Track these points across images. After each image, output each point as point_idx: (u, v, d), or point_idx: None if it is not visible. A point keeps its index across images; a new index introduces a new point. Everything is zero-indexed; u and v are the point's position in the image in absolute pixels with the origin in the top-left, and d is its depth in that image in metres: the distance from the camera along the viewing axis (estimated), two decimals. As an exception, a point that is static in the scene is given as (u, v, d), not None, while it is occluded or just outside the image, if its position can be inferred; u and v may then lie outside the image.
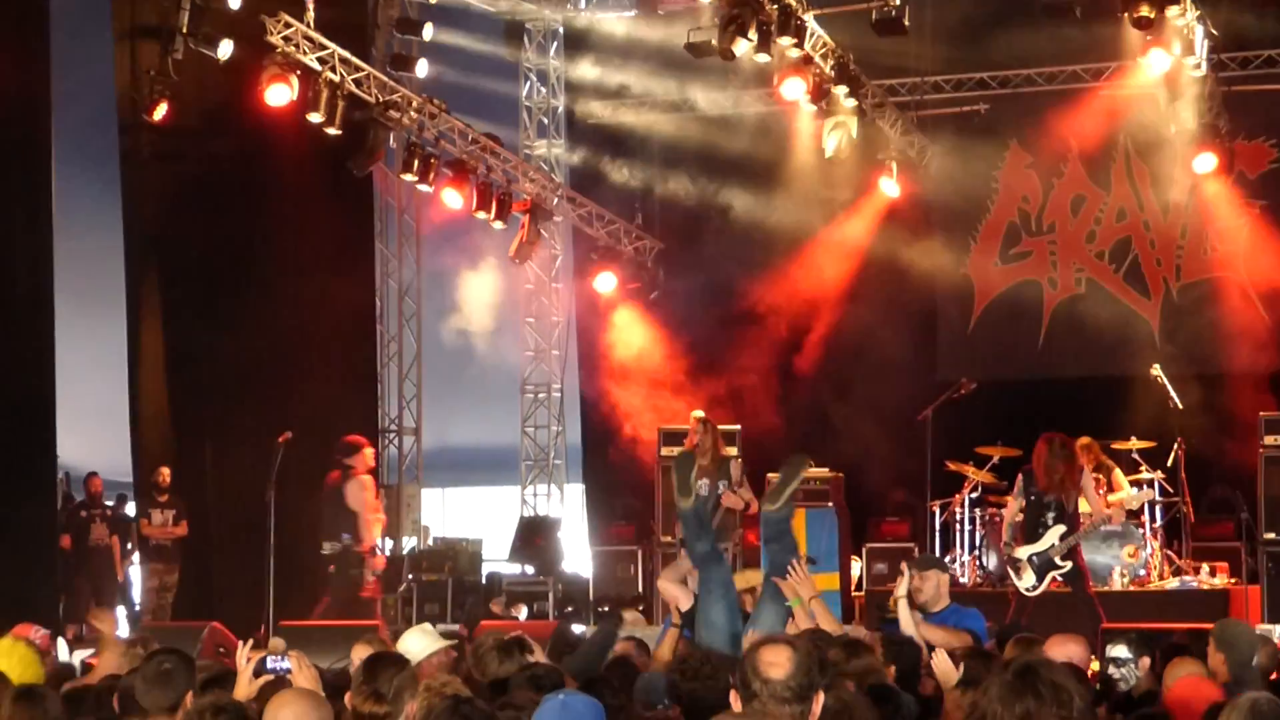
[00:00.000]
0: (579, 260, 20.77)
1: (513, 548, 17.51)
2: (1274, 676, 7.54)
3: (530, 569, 17.15)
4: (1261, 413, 15.59)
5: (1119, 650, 7.79)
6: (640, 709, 6.55)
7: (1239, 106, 17.29)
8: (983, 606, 12.45)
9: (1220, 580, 15.50)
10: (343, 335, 18.49)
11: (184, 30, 14.35)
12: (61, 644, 10.47)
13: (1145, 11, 14.39)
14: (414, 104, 16.83)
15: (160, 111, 15.22)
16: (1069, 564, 12.65)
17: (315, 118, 15.25)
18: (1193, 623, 11.08)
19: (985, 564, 16.14)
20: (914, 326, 19.26)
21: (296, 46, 15.10)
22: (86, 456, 18.20)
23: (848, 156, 17.14)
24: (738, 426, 16.87)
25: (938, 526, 16.74)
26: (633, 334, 20.06)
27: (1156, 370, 16.29)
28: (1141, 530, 15.56)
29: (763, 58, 15.03)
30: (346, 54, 15.84)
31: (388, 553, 19.82)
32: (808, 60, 15.44)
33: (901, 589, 8.98)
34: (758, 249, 19.51)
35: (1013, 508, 13.14)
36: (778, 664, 4.71)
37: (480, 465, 23.25)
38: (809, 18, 15.27)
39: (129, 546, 17.59)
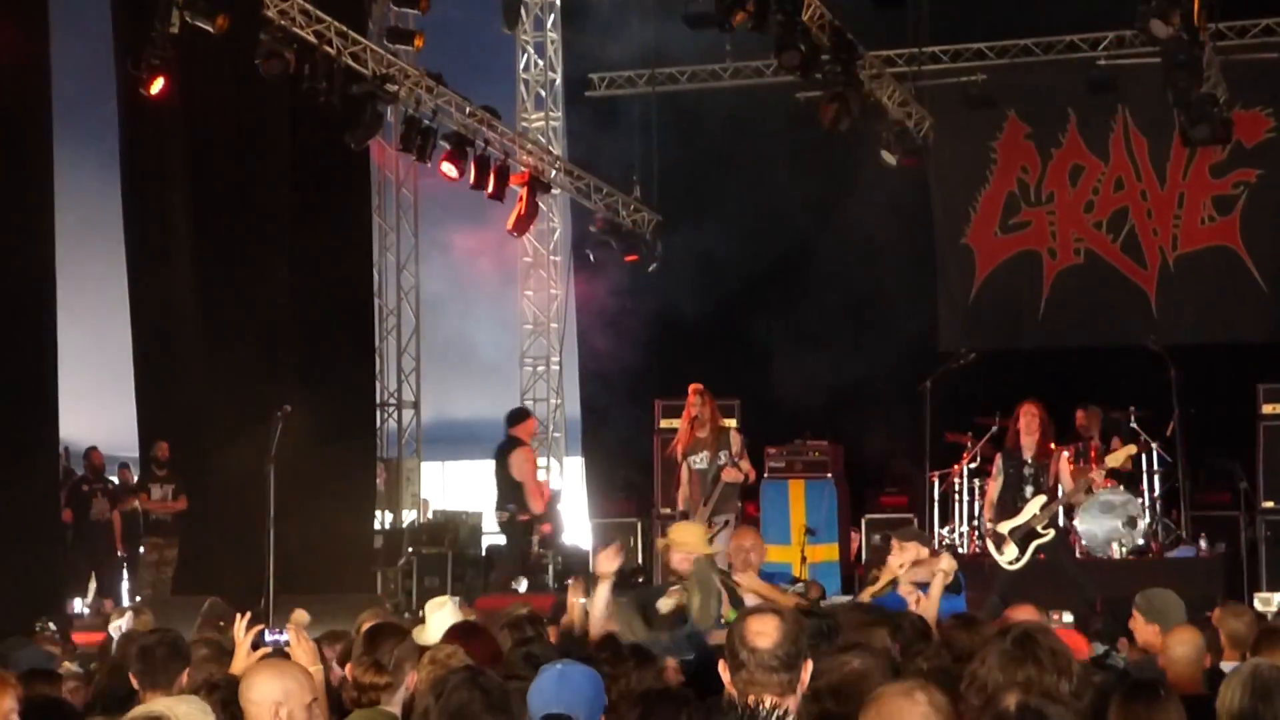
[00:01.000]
0: (577, 233, 20.75)
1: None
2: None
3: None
4: (1259, 383, 15.64)
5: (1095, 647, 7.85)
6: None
7: (1237, 76, 17.27)
8: (981, 576, 12.53)
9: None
10: (341, 309, 18.46)
11: (180, 4, 14.28)
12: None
13: (1143, -20, 14.35)
14: (411, 77, 16.78)
15: (157, 86, 15.16)
16: (1051, 532, 12.67)
17: (312, 92, 15.22)
18: (1193, 592, 11.08)
19: (984, 534, 16.14)
20: (914, 297, 19.28)
21: (293, 20, 15.05)
22: (87, 431, 18.21)
23: (846, 127, 17.10)
24: (737, 400, 16.90)
25: (937, 497, 16.76)
26: (632, 306, 20.05)
27: (1154, 340, 16.29)
28: (1141, 500, 15.57)
29: (761, 29, 15.00)
30: (343, 27, 15.79)
31: (388, 526, 19.88)
32: (806, 31, 15.40)
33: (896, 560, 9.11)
34: (756, 221, 19.51)
35: (993, 489, 13.17)
36: (765, 633, 4.72)
37: (479, 438, 23.19)
38: (806, -11, 15.24)
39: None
